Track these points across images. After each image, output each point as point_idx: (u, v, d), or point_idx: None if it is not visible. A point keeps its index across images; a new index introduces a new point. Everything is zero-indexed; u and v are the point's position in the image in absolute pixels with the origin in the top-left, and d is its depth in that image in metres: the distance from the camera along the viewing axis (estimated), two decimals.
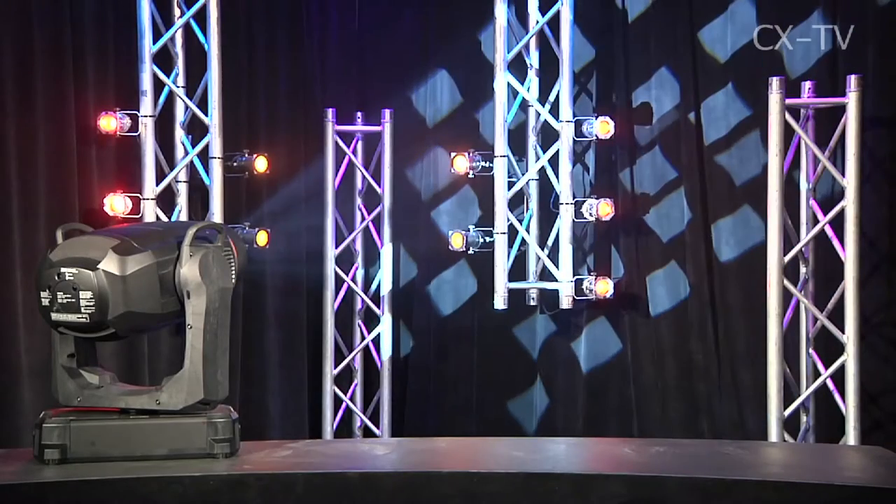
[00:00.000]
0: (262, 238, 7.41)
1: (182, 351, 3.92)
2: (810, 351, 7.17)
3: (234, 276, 4.04)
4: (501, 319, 7.99)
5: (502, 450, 4.32)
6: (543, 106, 7.77)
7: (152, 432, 3.89)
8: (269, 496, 3.72)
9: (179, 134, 7.36)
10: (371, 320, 8.05)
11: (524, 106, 7.85)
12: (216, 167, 7.20)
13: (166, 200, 7.24)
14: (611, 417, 7.93)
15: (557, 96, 7.71)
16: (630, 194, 7.82)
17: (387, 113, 7.92)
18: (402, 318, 8.14)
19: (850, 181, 6.88)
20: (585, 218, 7.72)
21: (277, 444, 4.21)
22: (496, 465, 3.98)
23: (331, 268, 7.90)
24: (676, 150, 7.74)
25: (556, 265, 7.73)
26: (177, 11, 7.25)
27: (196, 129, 7.34)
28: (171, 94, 7.27)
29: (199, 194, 7.39)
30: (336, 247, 7.91)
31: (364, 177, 8.05)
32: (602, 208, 7.69)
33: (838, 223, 6.93)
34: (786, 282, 6.92)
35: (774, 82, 6.87)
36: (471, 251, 7.86)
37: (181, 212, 7.30)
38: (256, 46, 7.79)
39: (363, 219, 8.04)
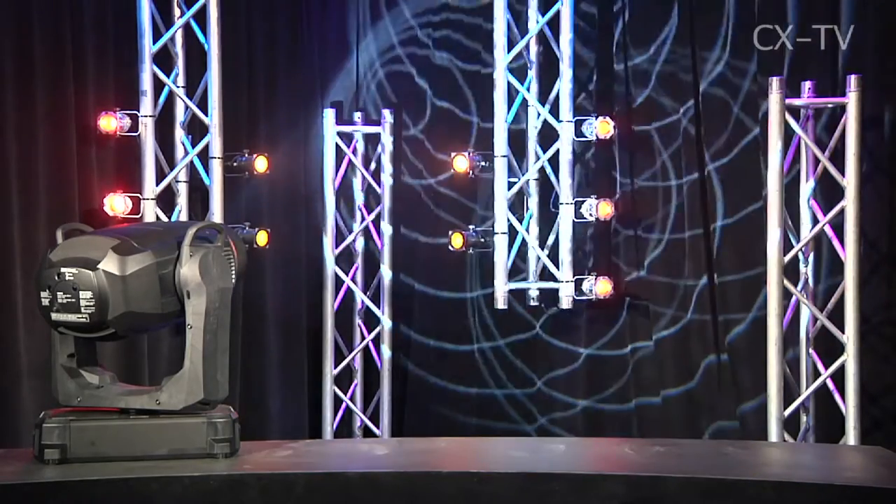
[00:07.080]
0: (262, 238, 7.41)
1: (182, 351, 3.92)
2: (810, 351, 7.17)
3: (234, 276, 4.04)
4: (501, 319, 7.99)
5: (502, 450, 4.33)
6: (543, 106, 7.77)
7: (152, 432, 3.89)
8: (269, 496, 3.72)
9: (179, 134, 7.36)
10: (371, 320, 8.05)
11: (524, 106, 7.84)
12: (216, 167, 7.20)
13: (166, 200, 7.24)
14: (611, 418, 7.93)
15: (557, 96, 7.71)
16: (630, 194, 7.82)
17: (387, 113, 7.91)
18: (402, 318, 8.13)
19: (850, 181, 6.87)
20: (585, 218, 7.72)
21: (277, 444, 4.21)
22: (496, 465, 3.98)
23: (331, 268, 7.90)
24: (676, 149, 7.74)
25: (557, 265, 7.73)
26: (177, 11, 7.25)
27: (196, 129, 7.34)
28: (171, 94, 7.27)
29: (199, 194, 7.38)
30: (336, 247, 7.92)
31: (364, 177, 8.05)
32: (602, 208, 7.69)
33: (838, 223, 6.93)
34: (786, 282, 6.92)
35: (774, 82, 6.87)
36: (471, 251, 7.86)
37: (181, 212, 7.30)
38: (256, 46, 7.79)
39: (363, 219, 8.04)
